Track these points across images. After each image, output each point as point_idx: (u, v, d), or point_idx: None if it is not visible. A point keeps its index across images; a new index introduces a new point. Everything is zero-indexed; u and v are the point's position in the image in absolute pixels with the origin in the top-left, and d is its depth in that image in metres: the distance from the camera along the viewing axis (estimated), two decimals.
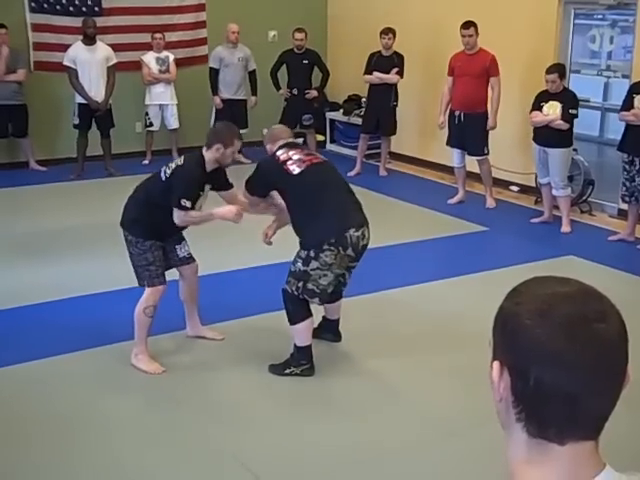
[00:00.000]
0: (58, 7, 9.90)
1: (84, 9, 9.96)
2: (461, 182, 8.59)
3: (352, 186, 9.05)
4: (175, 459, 3.88)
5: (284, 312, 4.67)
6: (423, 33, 9.89)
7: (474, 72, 8.14)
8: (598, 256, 6.72)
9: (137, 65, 9.86)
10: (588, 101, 10.06)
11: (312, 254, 4.51)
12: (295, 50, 9.96)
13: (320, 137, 10.93)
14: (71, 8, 9.94)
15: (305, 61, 9.98)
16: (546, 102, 7.44)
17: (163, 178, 4.63)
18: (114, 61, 9.52)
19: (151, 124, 10.06)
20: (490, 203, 8.42)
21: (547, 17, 8.40)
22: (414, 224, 7.84)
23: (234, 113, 10.12)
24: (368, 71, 9.48)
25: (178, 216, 4.54)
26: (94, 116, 9.43)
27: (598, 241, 7.30)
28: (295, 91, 10.02)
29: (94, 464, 3.84)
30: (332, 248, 4.47)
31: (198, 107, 10.28)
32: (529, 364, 1.12)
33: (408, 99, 9.71)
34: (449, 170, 9.13)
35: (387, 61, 9.38)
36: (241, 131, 9.98)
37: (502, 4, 8.79)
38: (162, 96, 9.93)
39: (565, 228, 7.57)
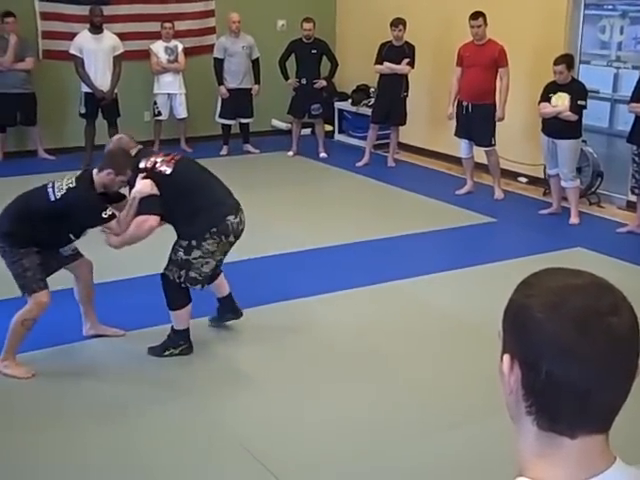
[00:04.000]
0: None
1: None
2: (469, 173, 8.57)
3: (360, 176, 9.16)
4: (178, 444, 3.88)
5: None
6: (433, 23, 9.85)
7: (483, 63, 8.10)
8: (606, 248, 6.69)
9: (145, 54, 9.85)
10: (598, 92, 9.99)
11: (194, 243, 4.57)
12: (304, 40, 9.93)
13: (328, 127, 10.90)
14: None
15: (314, 51, 9.95)
16: (554, 93, 7.41)
17: (52, 199, 4.39)
18: (121, 50, 9.50)
19: (159, 113, 10.05)
20: (498, 194, 8.39)
21: (557, 7, 8.36)
22: (422, 215, 7.83)
23: (240, 102, 10.13)
24: (379, 61, 9.45)
25: (114, 228, 4.49)
26: (100, 105, 9.42)
27: (607, 233, 7.27)
28: (304, 81, 9.99)
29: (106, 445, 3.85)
30: (215, 237, 4.57)
31: (206, 96, 10.26)
32: (540, 357, 1.11)
33: (417, 89, 9.67)
34: (457, 161, 9.10)
35: (398, 51, 9.35)
36: (246, 120, 10.27)
37: None
38: (170, 85, 9.92)
39: (573, 220, 7.54)
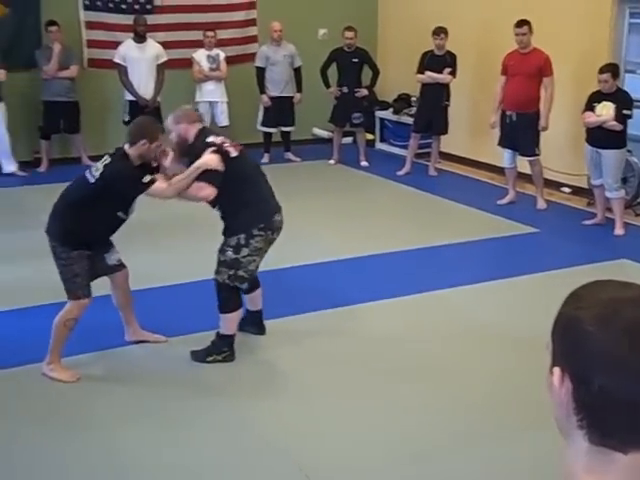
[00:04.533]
0: (111, 5, 10.01)
1: (136, 7, 10.05)
2: (511, 183, 8.50)
3: (401, 185, 9.14)
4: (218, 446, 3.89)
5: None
6: (475, 31, 9.80)
7: (527, 71, 8.03)
8: None
9: (188, 62, 9.92)
10: None
11: (242, 242, 4.61)
12: (345, 48, 9.94)
13: (370, 136, 10.90)
14: (123, 6, 10.05)
15: (355, 59, 9.96)
16: (599, 102, 7.32)
17: (92, 180, 4.45)
18: (164, 59, 9.61)
19: None
20: (541, 204, 8.32)
21: (601, 16, 8.27)
22: (463, 224, 7.78)
23: (281, 111, 10.17)
24: (420, 70, 9.43)
25: (161, 193, 4.46)
26: (143, 113, 9.50)
27: None
28: (345, 89, 10.00)
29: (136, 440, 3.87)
30: (261, 233, 4.64)
31: (248, 104, 10.31)
32: (592, 371, 1.09)
33: (459, 98, 9.63)
34: (499, 170, 9.04)
35: (440, 60, 9.32)
36: (288, 128, 10.31)
37: (554, 3, 8.66)
38: (212, 93, 9.98)
39: (618, 231, 7.44)
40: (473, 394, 4.50)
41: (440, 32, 9.25)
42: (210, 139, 4.68)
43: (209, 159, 4.51)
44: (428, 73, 9.36)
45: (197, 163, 4.52)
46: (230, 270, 4.67)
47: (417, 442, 4.01)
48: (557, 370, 1.15)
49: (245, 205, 4.65)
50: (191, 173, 4.52)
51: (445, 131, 9.64)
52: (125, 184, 4.42)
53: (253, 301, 5.07)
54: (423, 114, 9.63)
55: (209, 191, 4.53)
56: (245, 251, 4.64)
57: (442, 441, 4.03)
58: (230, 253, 4.65)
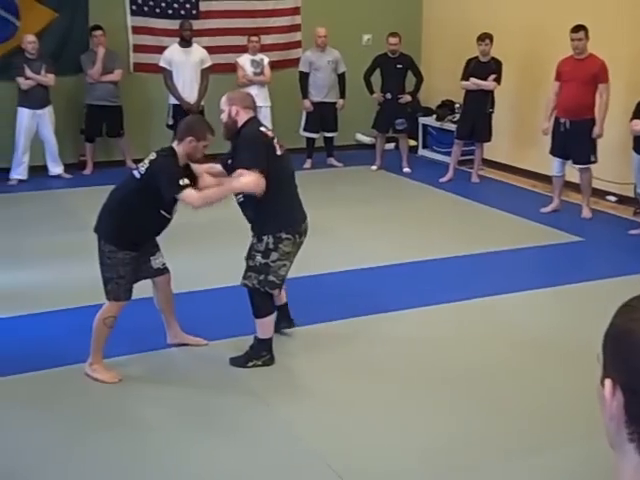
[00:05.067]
0: (157, 10, 10.11)
1: (182, 12, 10.14)
2: (558, 191, 8.37)
3: (444, 192, 9.10)
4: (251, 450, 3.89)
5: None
6: (520, 37, 9.72)
7: (582, 78, 7.83)
8: None
9: (232, 67, 9.96)
10: None
11: (271, 246, 4.60)
12: (389, 54, 9.92)
13: (412, 142, 10.86)
14: (170, 11, 10.14)
15: (399, 65, 9.93)
16: None
17: (137, 176, 4.47)
18: (209, 63, 9.67)
19: None
20: (586, 213, 8.20)
21: None
22: (506, 232, 7.71)
23: (324, 116, 10.18)
24: (465, 77, 9.37)
25: (188, 200, 4.35)
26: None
27: None
28: (388, 95, 9.98)
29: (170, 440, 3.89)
30: (289, 237, 4.63)
31: (291, 110, 10.33)
32: None
33: (503, 105, 9.55)
34: (542, 178, 8.95)
35: (485, 67, 9.25)
36: (331, 134, 10.31)
37: (605, 8, 8.53)
38: (256, 98, 9.81)
39: None
40: (519, 404, 4.44)
41: (485, 38, 9.18)
42: (263, 129, 4.69)
43: (250, 181, 4.43)
44: (472, 80, 9.30)
45: (237, 183, 4.48)
46: (260, 275, 4.65)
47: (457, 452, 3.97)
48: (608, 382, 1.12)
49: (278, 205, 4.63)
50: (226, 190, 4.50)
51: (488, 139, 9.56)
52: (164, 180, 4.38)
53: (278, 297, 5.05)
54: (466, 121, 9.56)
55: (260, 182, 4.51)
56: (274, 255, 4.62)
57: (485, 452, 3.98)
58: (259, 258, 4.64)
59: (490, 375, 4.78)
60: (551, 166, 8.35)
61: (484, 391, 4.59)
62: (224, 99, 4.78)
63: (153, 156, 4.51)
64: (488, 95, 9.33)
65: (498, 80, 9.24)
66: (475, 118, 9.42)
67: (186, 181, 4.35)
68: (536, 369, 4.87)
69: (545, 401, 4.48)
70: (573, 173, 8.26)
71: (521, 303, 5.88)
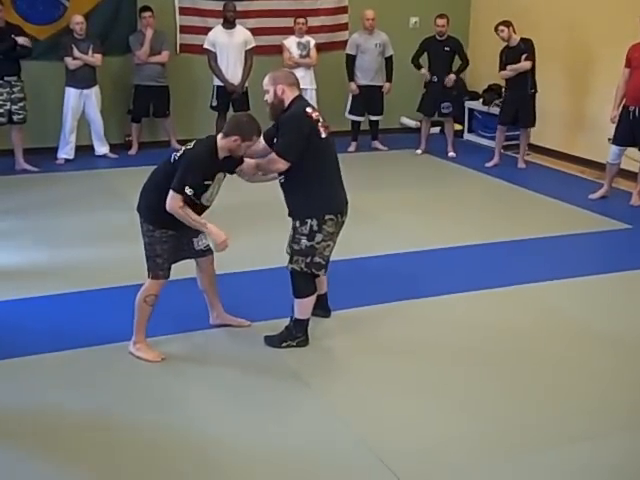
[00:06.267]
0: None
1: None
2: (610, 178, 8.17)
3: (489, 177, 9.02)
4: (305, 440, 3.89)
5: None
6: (569, 22, 9.56)
7: None
8: None
9: (278, 49, 9.93)
10: None
11: (315, 228, 4.59)
12: (437, 37, 9.82)
13: (458, 126, 10.76)
14: None
15: (446, 48, 9.82)
16: None
17: (172, 160, 4.47)
18: (252, 45, 9.65)
19: None
20: (635, 200, 8.03)
21: None
22: (553, 218, 7.61)
23: (370, 99, 10.12)
24: (502, 67, 9.28)
25: (170, 199, 4.33)
26: (231, 98, 9.60)
27: None
28: (435, 79, 9.88)
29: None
30: (332, 217, 4.62)
31: (336, 92, 10.29)
32: None
33: (552, 91, 9.43)
34: (590, 164, 8.81)
35: (515, 51, 9.17)
36: (376, 117, 10.25)
37: None
38: (302, 81, 9.73)
39: None
40: (566, 392, 4.38)
41: (497, 27, 9.18)
42: (309, 109, 4.64)
43: (216, 235, 4.44)
44: (509, 67, 9.21)
45: (208, 227, 4.45)
46: (307, 258, 4.65)
47: (502, 439, 3.92)
48: None
49: (321, 188, 4.61)
50: (198, 224, 4.44)
51: (532, 124, 9.42)
52: (180, 171, 4.36)
53: (319, 285, 5.03)
54: (509, 106, 9.44)
55: (279, 164, 4.53)
56: (319, 237, 4.62)
57: (523, 440, 3.92)
58: (305, 241, 4.63)
59: (534, 362, 4.71)
60: (608, 153, 8.15)
61: (530, 376, 4.53)
62: (267, 79, 4.70)
63: (190, 146, 4.50)
64: (527, 76, 9.19)
65: (530, 58, 9.10)
66: (518, 102, 9.29)
67: (189, 190, 4.33)
68: (584, 356, 4.80)
69: (594, 389, 4.41)
70: (625, 160, 8.10)
71: (567, 290, 5.80)
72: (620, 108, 7.96)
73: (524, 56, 9.11)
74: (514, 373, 4.57)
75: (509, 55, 9.21)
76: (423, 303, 5.50)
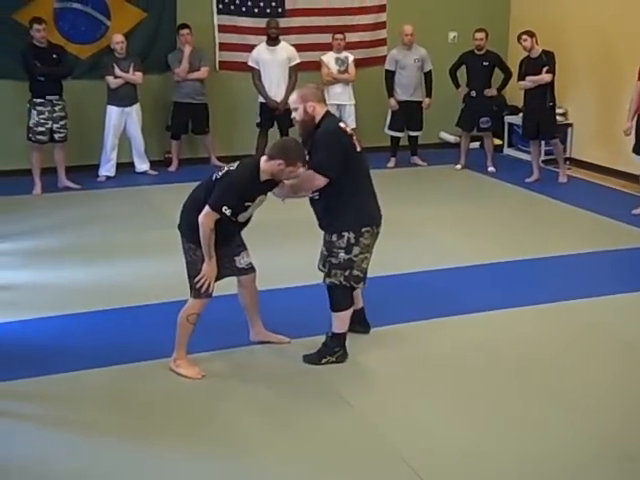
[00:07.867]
0: (244, 9, 10.20)
1: (268, 10, 10.20)
2: None
3: (529, 192, 8.94)
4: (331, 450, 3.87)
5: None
6: (606, 33, 9.48)
7: None
8: None
9: (317, 65, 9.96)
10: None
11: (352, 240, 4.59)
12: (475, 51, 9.79)
13: (498, 141, 10.70)
14: (256, 10, 10.22)
15: (485, 63, 9.79)
16: None
17: (213, 179, 4.46)
18: (296, 61, 9.69)
19: None
20: None
21: None
22: (595, 234, 7.53)
23: (409, 115, 10.10)
24: (521, 77, 9.25)
25: (205, 215, 4.33)
26: (274, 115, 9.64)
27: None
28: (473, 93, 9.85)
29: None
30: (368, 229, 4.64)
31: (375, 108, 10.30)
32: None
33: (590, 104, 9.35)
34: (632, 177, 8.70)
35: (536, 63, 9.13)
36: (416, 133, 10.22)
37: None
38: (340, 96, 9.97)
39: None
40: (608, 412, 4.30)
41: (520, 36, 9.12)
42: (342, 124, 4.66)
43: (208, 271, 4.47)
44: (528, 78, 9.18)
45: (211, 262, 4.45)
46: (345, 271, 4.66)
47: (536, 461, 3.86)
48: None
49: (358, 201, 4.62)
50: (208, 252, 4.42)
51: (554, 135, 9.36)
52: (219, 189, 4.37)
53: (355, 300, 5.00)
54: (530, 119, 9.41)
55: (321, 181, 4.52)
56: (356, 250, 4.62)
57: (572, 458, 3.87)
58: (342, 254, 4.63)
59: (576, 377, 4.65)
60: (636, 165, 8.14)
61: (570, 393, 4.46)
62: (295, 97, 4.68)
63: (233, 167, 4.49)
64: (546, 89, 9.14)
65: (551, 71, 9.05)
66: (537, 114, 9.25)
67: (227, 211, 4.33)
68: (623, 373, 4.72)
69: (632, 406, 4.34)
70: None
71: (609, 307, 5.71)
72: (635, 119, 8.04)
73: (545, 68, 9.06)
74: (555, 389, 4.51)
75: (529, 66, 9.19)
76: (463, 320, 5.45)
